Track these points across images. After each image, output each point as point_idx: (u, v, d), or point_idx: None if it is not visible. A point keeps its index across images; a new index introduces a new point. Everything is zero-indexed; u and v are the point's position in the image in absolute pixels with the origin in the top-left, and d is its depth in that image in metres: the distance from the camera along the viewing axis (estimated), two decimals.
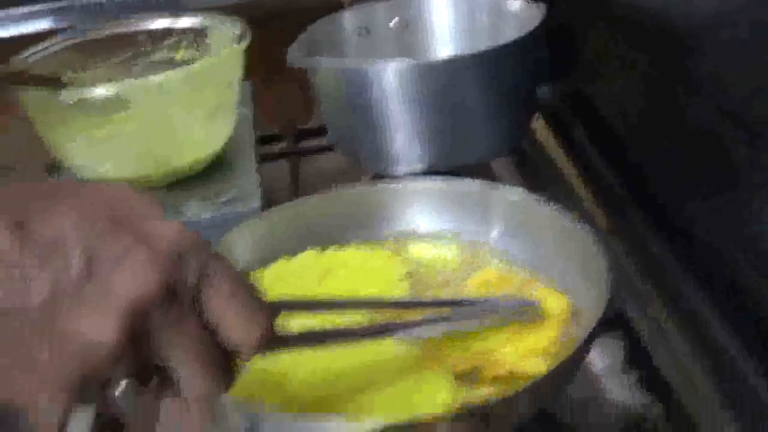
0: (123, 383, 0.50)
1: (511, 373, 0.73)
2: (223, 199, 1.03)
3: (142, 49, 1.16)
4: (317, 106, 1.12)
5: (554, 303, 0.79)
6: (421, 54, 1.18)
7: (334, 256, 0.87)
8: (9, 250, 0.47)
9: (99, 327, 0.47)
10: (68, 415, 0.75)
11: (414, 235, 0.91)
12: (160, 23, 1.16)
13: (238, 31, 1.07)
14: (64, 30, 1.15)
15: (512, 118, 1.07)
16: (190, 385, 0.52)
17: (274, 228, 0.88)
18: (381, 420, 0.63)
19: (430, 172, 1.01)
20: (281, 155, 1.25)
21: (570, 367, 0.71)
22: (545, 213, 0.84)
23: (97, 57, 1.14)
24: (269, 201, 1.01)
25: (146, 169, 1.03)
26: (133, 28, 1.16)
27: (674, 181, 0.89)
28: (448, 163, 1.03)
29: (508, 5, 1.12)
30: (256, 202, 1.02)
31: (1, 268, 0.47)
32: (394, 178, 1.01)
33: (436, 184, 0.91)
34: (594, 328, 0.69)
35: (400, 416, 0.67)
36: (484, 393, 0.71)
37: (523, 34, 1.02)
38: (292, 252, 0.87)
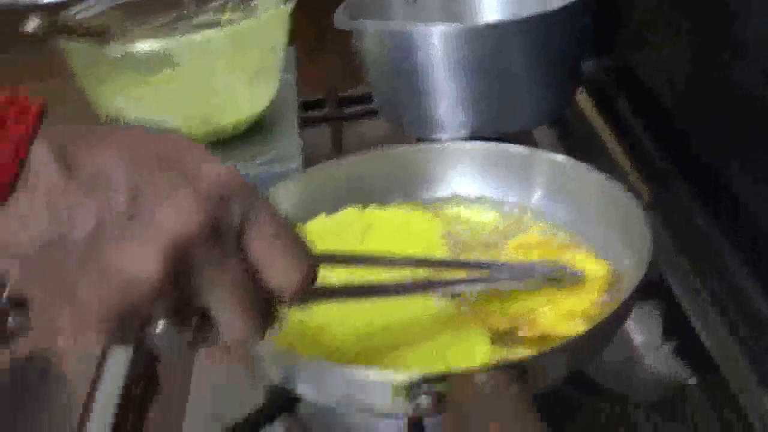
0: (162, 323, 0.50)
1: (549, 335, 0.73)
2: (262, 160, 1.03)
3: (185, 12, 1.16)
4: (361, 73, 1.11)
5: (594, 268, 0.79)
6: (467, 22, 1.17)
7: (375, 214, 0.87)
8: (56, 182, 0.47)
9: (141, 261, 0.47)
10: (106, 353, 0.76)
11: (455, 198, 0.91)
12: None
13: None
14: None
15: (557, 86, 1.07)
16: (228, 328, 0.52)
17: (315, 185, 0.88)
18: (417, 371, 0.63)
19: (473, 138, 1.00)
20: (323, 120, 1.24)
21: (608, 329, 0.71)
22: (587, 178, 0.84)
23: (141, 18, 1.14)
24: (310, 166, 1.01)
25: (188, 128, 1.03)
26: None
27: (720, 153, 0.89)
28: (492, 130, 1.02)
29: None
30: (296, 163, 1.02)
31: (48, 200, 0.47)
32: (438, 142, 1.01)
33: (480, 147, 0.92)
34: (634, 291, 0.69)
35: (437, 368, 0.68)
36: (521, 353, 0.71)
37: (571, 1, 1.00)
38: (333, 210, 0.87)
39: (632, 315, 0.74)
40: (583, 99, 1.17)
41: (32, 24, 0.90)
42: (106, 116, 1.05)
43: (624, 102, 1.12)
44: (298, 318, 0.75)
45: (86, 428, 0.76)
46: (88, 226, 0.47)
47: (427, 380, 0.61)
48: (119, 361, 0.82)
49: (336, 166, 0.91)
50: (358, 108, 1.25)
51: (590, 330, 0.69)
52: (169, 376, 0.84)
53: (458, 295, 0.77)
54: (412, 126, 1.08)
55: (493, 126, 1.03)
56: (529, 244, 0.83)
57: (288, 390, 0.70)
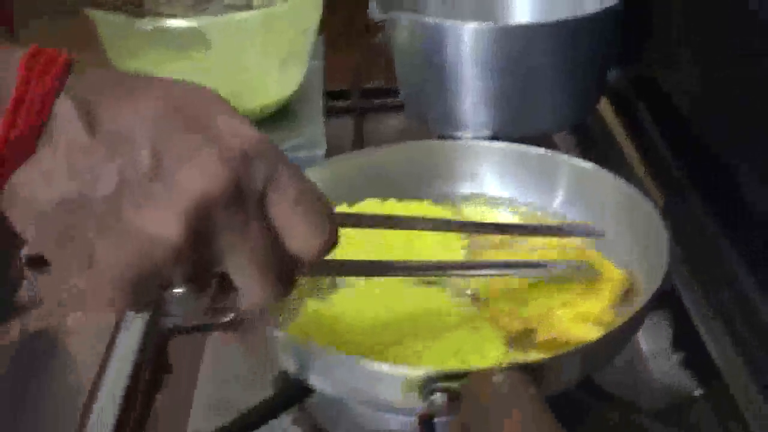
0: (181, 289, 0.50)
1: (561, 339, 0.73)
2: (289, 145, 1.03)
3: None
4: (388, 66, 1.12)
5: (610, 273, 0.79)
6: (498, 22, 1.18)
7: (395, 207, 0.87)
8: (78, 140, 0.46)
9: (162, 222, 0.47)
10: (122, 316, 0.75)
11: (475, 196, 0.92)
12: None
13: None
14: None
15: (581, 93, 1.07)
16: (247, 293, 0.51)
17: (337, 175, 0.88)
18: (431, 368, 0.63)
19: (494, 138, 1.01)
20: (347, 111, 1.25)
21: (622, 336, 0.72)
22: (608, 184, 0.85)
23: None
24: (331, 155, 1.02)
25: None
26: None
27: (735, 165, 0.89)
28: (514, 131, 1.02)
29: None
30: (322, 150, 1.02)
31: (70, 157, 0.46)
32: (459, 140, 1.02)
33: (504, 147, 0.92)
34: (650, 300, 0.69)
35: (450, 366, 0.68)
36: (534, 356, 0.72)
37: (603, 8, 1.01)
38: (353, 201, 0.87)
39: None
40: (604, 107, 1.18)
41: None
42: None
43: (645, 113, 1.12)
44: (313, 308, 0.76)
45: (92, 411, 0.76)
46: (110, 186, 0.46)
47: (444, 377, 0.61)
48: (128, 343, 0.82)
49: (359, 157, 0.92)
50: (383, 100, 1.25)
51: (606, 336, 0.70)
52: (178, 362, 0.84)
53: (475, 296, 0.78)
54: (435, 122, 1.08)
55: (515, 127, 1.04)
56: (546, 246, 0.84)
57: (299, 381, 0.70)
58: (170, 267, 0.48)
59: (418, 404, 0.63)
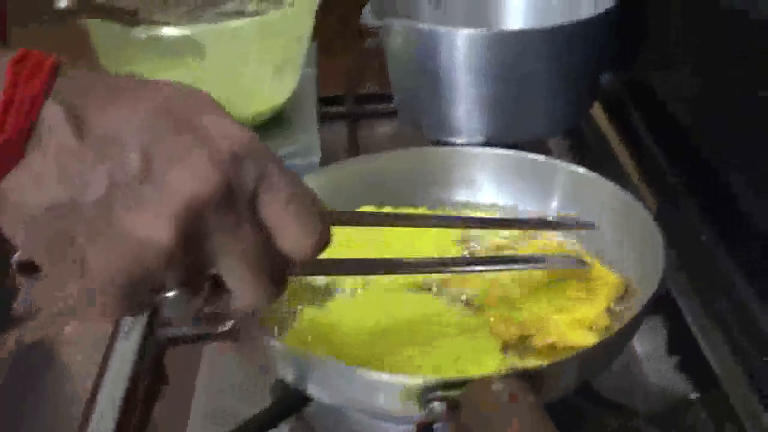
0: (173, 293, 0.50)
1: (559, 345, 0.73)
2: (282, 153, 1.03)
3: None
4: (381, 70, 1.12)
5: (605, 278, 0.79)
6: (492, 28, 1.18)
7: (391, 213, 0.87)
8: (67, 143, 0.46)
9: (153, 225, 0.46)
10: (115, 323, 0.74)
11: (471, 202, 0.92)
12: None
13: None
14: None
15: (575, 98, 1.07)
16: (240, 295, 0.51)
17: (333, 183, 0.88)
18: (429, 377, 0.63)
19: (488, 144, 1.01)
20: (341, 116, 1.25)
21: (619, 341, 0.72)
22: (604, 190, 0.85)
23: (166, 3, 1.14)
24: (326, 162, 1.01)
25: None
26: None
27: (729, 172, 0.90)
28: (507, 137, 1.03)
29: None
30: (316, 157, 1.02)
31: (59, 161, 0.46)
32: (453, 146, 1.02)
33: (500, 153, 0.92)
34: (646, 305, 0.70)
35: (447, 374, 0.68)
36: (531, 363, 0.71)
37: (597, 14, 1.02)
38: (348, 208, 0.86)
39: None
40: (598, 111, 1.18)
41: (65, 1, 0.91)
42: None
43: (639, 117, 1.12)
44: (310, 316, 0.76)
45: (90, 422, 0.75)
46: (100, 189, 0.46)
47: (443, 386, 0.61)
48: (125, 353, 0.81)
49: (354, 165, 0.92)
50: (376, 106, 1.26)
51: (603, 341, 0.70)
52: (175, 371, 0.84)
53: (470, 303, 0.78)
54: (429, 128, 1.08)
55: (509, 133, 1.04)
56: (542, 250, 0.84)
57: (297, 390, 0.70)
58: (162, 270, 0.48)
59: (416, 413, 0.63)
